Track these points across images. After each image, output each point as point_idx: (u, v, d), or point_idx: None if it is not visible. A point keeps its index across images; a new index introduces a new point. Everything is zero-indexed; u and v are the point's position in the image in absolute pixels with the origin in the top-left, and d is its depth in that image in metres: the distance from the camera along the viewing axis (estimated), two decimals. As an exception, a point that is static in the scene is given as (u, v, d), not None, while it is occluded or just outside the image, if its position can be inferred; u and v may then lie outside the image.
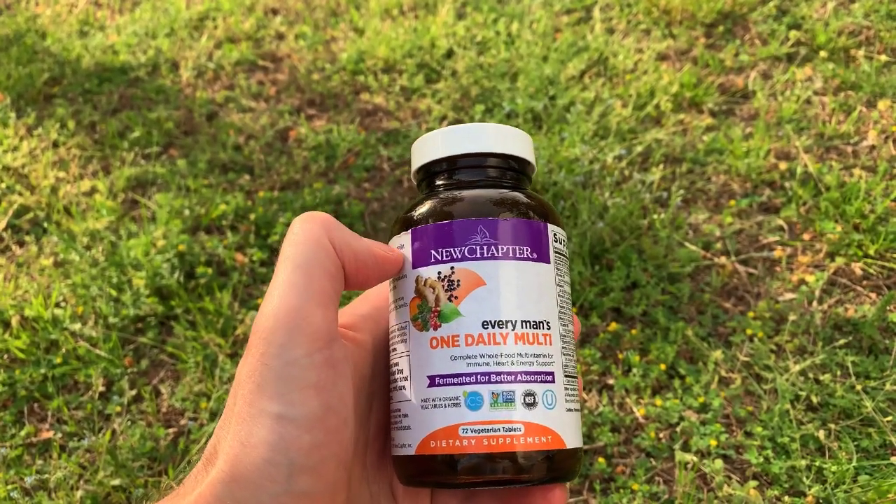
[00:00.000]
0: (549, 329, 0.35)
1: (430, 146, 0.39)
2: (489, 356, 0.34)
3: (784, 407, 1.09)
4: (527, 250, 0.36)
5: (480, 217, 0.36)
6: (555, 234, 0.37)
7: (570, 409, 0.35)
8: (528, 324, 0.35)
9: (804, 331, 1.20)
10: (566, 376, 0.36)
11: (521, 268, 0.35)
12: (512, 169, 0.39)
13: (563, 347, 0.36)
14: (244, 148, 1.74)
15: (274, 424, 0.30)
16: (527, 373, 0.34)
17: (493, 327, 0.35)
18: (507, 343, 0.34)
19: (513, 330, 0.35)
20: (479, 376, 0.34)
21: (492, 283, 0.35)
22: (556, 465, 0.34)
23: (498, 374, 0.34)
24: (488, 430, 0.33)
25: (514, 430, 0.33)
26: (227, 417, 0.31)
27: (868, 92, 1.66)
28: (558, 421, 0.34)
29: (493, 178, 0.39)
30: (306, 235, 0.33)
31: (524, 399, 0.34)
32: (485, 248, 0.35)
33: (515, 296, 0.35)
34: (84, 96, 1.99)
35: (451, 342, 0.35)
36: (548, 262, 0.36)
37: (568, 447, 0.34)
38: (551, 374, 0.35)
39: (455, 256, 0.36)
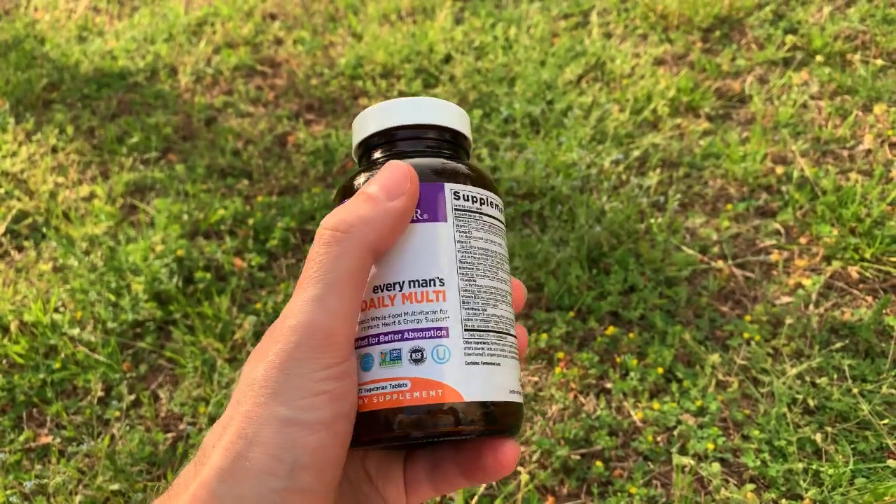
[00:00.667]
0: (441, 286, 0.36)
1: (367, 122, 0.41)
2: (378, 318, 0.36)
3: (781, 410, 1.09)
4: (416, 213, 0.37)
5: None
6: (455, 193, 0.37)
7: (473, 363, 0.35)
8: (415, 283, 0.36)
9: (801, 334, 1.21)
10: (469, 330, 0.35)
11: (409, 231, 0.37)
12: (446, 141, 0.40)
13: (465, 302, 0.36)
14: (243, 153, 1.75)
15: (282, 426, 0.31)
16: (414, 330, 0.35)
17: (381, 291, 0.36)
18: (394, 304, 0.36)
19: (400, 291, 0.36)
20: (370, 339, 0.36)
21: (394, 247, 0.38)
22: (461, 417, 0.34)
23: (385, 334, 0.36)
24: (378, 389, 0.35)
25: (401, 385, 0.35)
26: (230, 416, 0.32)
27: (864, 96, 1.66)
28: (453, 374, 0.34)
29: (430, 147, 0.40)
30: (341, 252, 0.34)
31: (411, 355, 0.35)
32: None
33: (402, 258, 0.36)
34: (83, 101, 2.00)
35: None
36: (444, 220, 0.37)
37: (466, 400, 0.34)
38: (444, 328, 0.35)
39: None
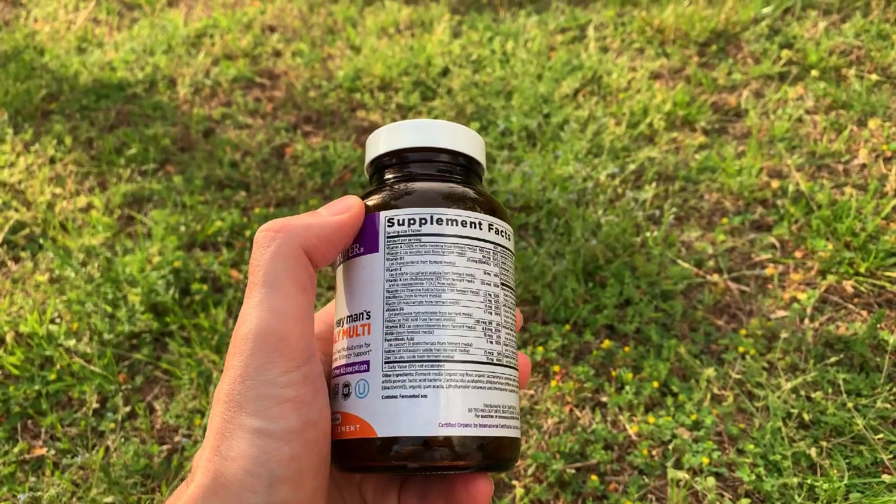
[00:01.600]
0: (367, 319, 0.35)
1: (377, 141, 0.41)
2: (334, 353, 0.37)
3: (776, 424, 1.10)
4: (356, 247, 0.37)
5: None
6: (389, 220, 0.36)
7: (390, 396, 0.34)
8: (351, 318, 0.36)
9: (796, 348, 1.21)
10: (390, 362, 0.34)
11: (350, 266, 0.37)
12: (459, 165, 0.40)
13: (389, 333, 0.35)
14: (240, 164, 1.75)
15: (254, 438, 0.31)
16: (347, 365, 0.36)
17: (336, 327, 0.38)
18: (339, 339, 0.37)
19: (342, 327, 0.37)
20: (332, 371, 0.37)
21: (338, 286, 0.38)
22: (375, 454, 0.34)
23: (335, 368, 0.37)
24: (333, 420, 0.36)
25: (336, 419, 0.36)
26: (207, 435, 0.33)
27: (859, 111, 1.67)
28: (369, 409, 0.34)
29: (441, 172, 0.40)
30: (273, 252, 0.34)
31: (343, 390, 0.36)
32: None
33: (346, 294, 0.37)
34: (81, 112, 2.00)
35: None
36: (376, 251, 0.36)
37: (379, 435, 0.33)
38: (366, 363, 0.35)
39: (336, 260, 0.40)
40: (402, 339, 0.34)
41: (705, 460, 1.06)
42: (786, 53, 1.89)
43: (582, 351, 1.26)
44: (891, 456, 1.05)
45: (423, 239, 0.36)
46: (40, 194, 1.69)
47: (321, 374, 0.34)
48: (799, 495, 1.02)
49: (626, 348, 1.23)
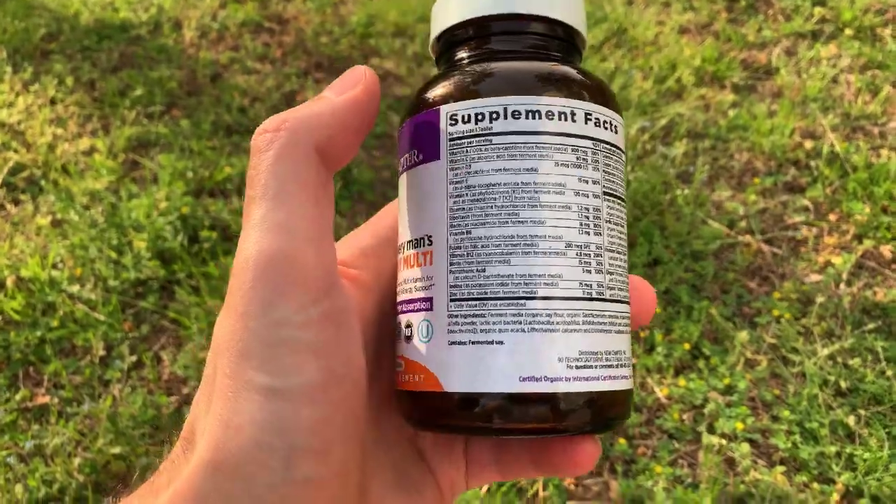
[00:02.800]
0: (429, 245, 0.28)
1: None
2: (398, 285, 0.30)
3: (812, 391, 1.05)
4: (414, 154, 0.30)
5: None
6: (451, 116, 0.29)
7: (458, 343, 0.27)
8: (411, 243, 0.29)
9: (832, 314, 1.17)
10: (457, 300, 0.27)
11: (410, 178, 0.30)
12: (556, 38, 0.31)
13: (454, 264, 0.28)
14: (249, 110, 1.68)
15: (264, 400, 0.24)
16: (408, 301, 0.29)
17: (399, 253, 0.31)
18: (402, 269, 0.30)
19: (403, 253, 0.30)
20: (396, 306, 0.30)
21: (399, 201, 0.31)
22: (441, 411, 0.28)
23: (398, 304, 0.30)
24: (396, 366, 0.30)
25: (399, 365, 0.29)
26: (205, 391, 0.26)
27: (895, 72, 1.61)
28: (433, 357, 0.28)
29: (533, 48, 0.31)
30: (279, 153, 0.26)
31: (405, 332, 0.29)
32: (400, 159, 0.31)
33: (406, 213, 0.30)
34: (83, 53, 1.92)
35: None
36: (437, 157, 0.29)
37: (445, 390, 0.27)
38: (429, 300, 0.28)
39: (399, 169, 0.32)
40: (471, 271, 0.27)
41: (739, 426, 1.02)
42: (819, 11, 1.81)
43: (608, 311, 1.22)
44: (932, 426, 1.01)
45: (495, 140, 0.28)
46: (41, 136, 1.62)
47: (347, 309, 0.27)
48: (837, 464, 0.98)
49: (658, 309, 1.18)
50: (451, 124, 0.28)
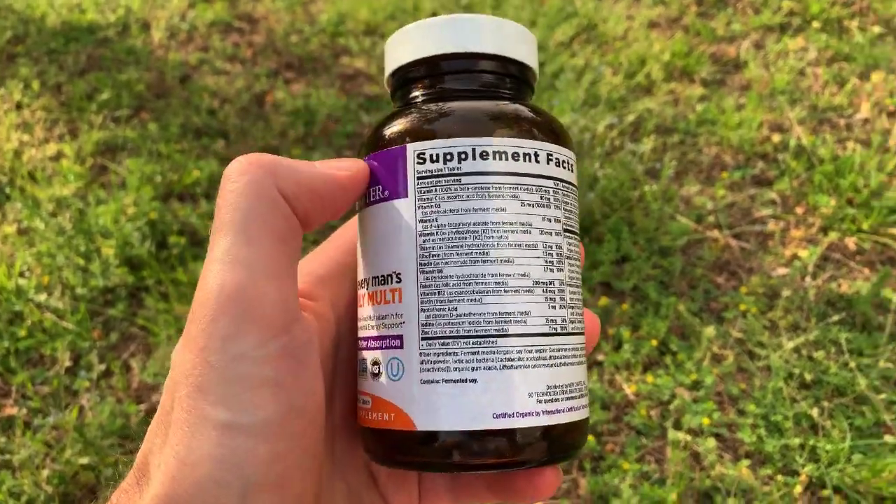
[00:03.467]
0: (397, 282, 0.28)
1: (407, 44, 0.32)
2: (358, 320, 0.31)
3: (777, 384, 1.07)
4: (378, 190, 0.30)
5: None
6: (419, 155, 0.28)
7: (430, 381, 0.27)
8: (376, 280, 0.29)
9: (798, 307, 1.18)
10: (428, 339, 0.28)
11: (372, 214, 0.30)
12: (509, 76, 0.31)
13: (426, 303, 0.28)
14: (218, 112, 1.67)
15: (220, 436, 0.24)
16: (375, 338, 0.29)
17: (359, 288, 0.31)
18: (363, 304, 0.30)
19: (366, 289, 0.30)
20: (357, 342, 0.31)
21: (360, 237, 0.31)
22: (416, 450, 0.28)
23: (360, 339, 0.30)
24: (358, 401, 0.30)
25: (365, 402, 0.29)
26: (161, 422, 0.26)
27: (861, 64, 1.62)
28: (405, 395, 0.28)
29: (485, 86, 0.31)
30: (245, 189, 0.26)
31: (372, 368, 0.29)
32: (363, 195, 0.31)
33: (369, 249, 0.30)
34: (49, 56, 1.90)
35: None
36: (404, 195, 0.29)
37: (418, 429, 0.27)
38: (398, 338, 0.28)
39: (356, 206, 0.32)
40: (443, 310, 0.28)
41: (705, 421, 1.03)
42: (787, 4, 1.82)
43: (577, 308, 1.22)
44: (893, 417, 1.02)
45: (465, 179, 0.28)
46: (7, 141, 1.60)
47: (308, 343, 0.27)
48: (800, 456, 0.99)
49: (624, 306, 1.19)
50: (418, 163, 0.29)
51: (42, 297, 1.25)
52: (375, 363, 0.29)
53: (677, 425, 1.04)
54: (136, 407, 1.10)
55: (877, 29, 1.72)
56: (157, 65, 1.84)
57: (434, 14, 1.91)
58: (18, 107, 1.71)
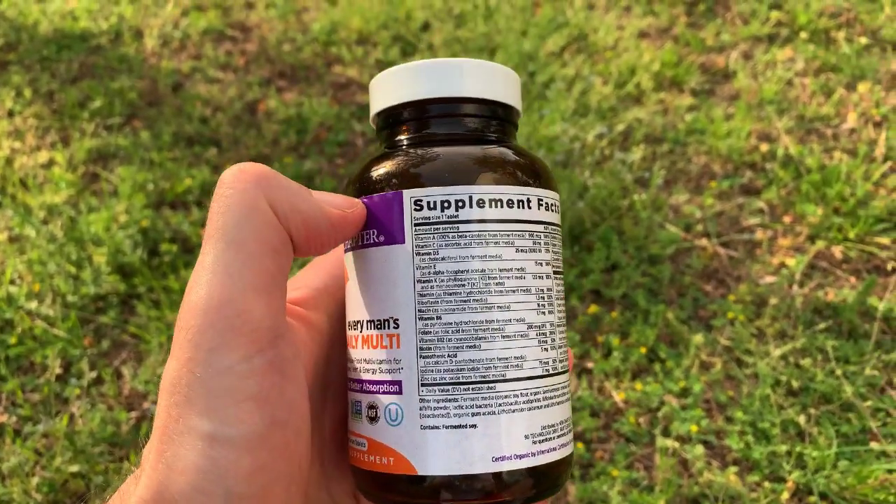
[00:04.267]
0: (395, 328, 0.29)
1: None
2: (350, 361, 0.31)
3: (765, 392, 1.07)
4: (372, 234, 0.30)
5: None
6: (416, 202, 0.29)
7: (431, 427, 0.28)
8: (371, 324, 0.30)
9: (785, 315, 1.19)
10: (428, 385, 0.28)
11: (365, 258, 0.30)
12: (495, 118, 0.32)
13: (424, 349, 0.28)
14: (211, 120, 1.68)
15: (205, 447, 0.24)
16: (371, 382, 0.30)
17: (351, 329, 0.31)
18: (356, 346, 0.30)
19: (360, 332, 0.30)
20: (349, 382, 0.31)
21: (351, 277, 0.31)
22: (414, 493, 0.29)
23: (352, 381, 0.31)
24: (352, 442, 0.31)
25: (361, 445, 0.30)
26: (153, 429, 0.26)
27: (848, 74, 1.64)
28: (404, 440, 0.28)
29: (471, 130, 0.32)
30: (240, 198, 0.26)
31: (368, 412, 0.30)
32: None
33: (364, 291, 0.30)
34: (42, 63, 1.90)
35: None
36: (401, 241, 0.29)
37: (419, 473, 0.28)
38: (397, 383, 0.29)
39: (345, 245, 0.32)
40: (442, 357, 0.28)
41: (694, 428, 1.04)
42: (775, 14, 1.84)
43: (568, 316, 1.23)
44: (879, 423, 1.03)
45: (462, 227, 0.29)
46: (-2, 149, 1.60)
47: (294, 357, 0.28)
48: (787, 463, 1.00)
49: (613, 313, 1.19)
50: (415, 209, 0.29)
51: (33, 305, 1.25)
52: (372, 407, 0.29)
53: (666, 432, 1.05)
54: (127, 414, 1.10)
55: (863, 40, 1.74)
56: (150, 73, 1.85)
57: (426, 24, 1.93)
58: (10, 114, 1.72)
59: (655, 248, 1.29)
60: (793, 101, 1.60)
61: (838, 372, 1.09)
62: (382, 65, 1.82)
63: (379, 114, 0.32)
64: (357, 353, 0.31)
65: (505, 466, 0.28)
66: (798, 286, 1.24)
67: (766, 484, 0.98)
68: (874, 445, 1.00)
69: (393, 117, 0.32)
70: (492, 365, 0.28)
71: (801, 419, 1.04)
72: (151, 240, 1.35)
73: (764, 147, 1.48)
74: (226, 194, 0.27)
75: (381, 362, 0.29)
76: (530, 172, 0.30)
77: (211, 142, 1.62)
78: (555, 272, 0.31)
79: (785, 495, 0.96)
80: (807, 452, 1.00)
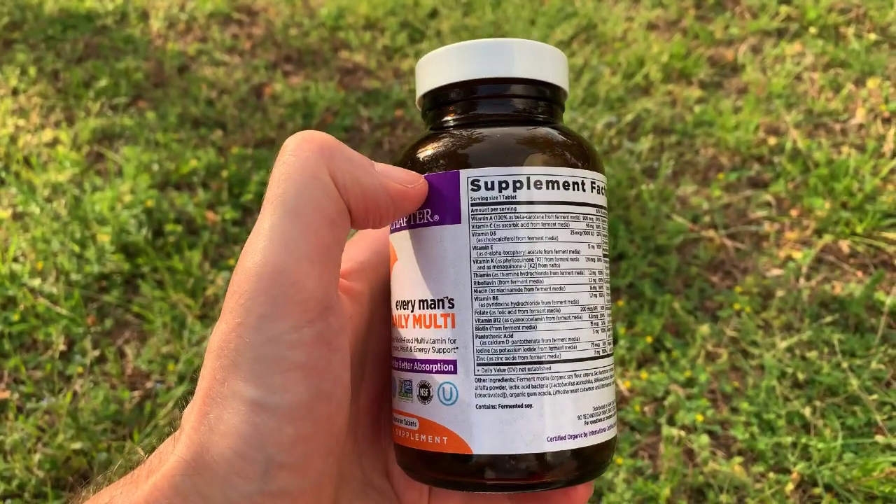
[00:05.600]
0: (450, 308, 0.29)
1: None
2: (397, 340, 0.31)
3: (770, 383, 1.07)
4: (427, 213, 0.30)
5: None
6: (473, 182, 0.29)
7: (486, 406, 0.28)
8: (425, 303, 0.30)
9: (791, 307, 1.19)
10: (484, 364, 0.28)
11: (420, 237, 0.30)
12: (543, 100, 0.32)
13: (480, 328, 0.28)
14: (217, 103, 1.67)
15: (249, 412, 0.24)
16: (423, 361, 0.30)
17: (400, 308, 0.31)
18: (407, 325, 0.30)
19: (412, 311, 0.30)
20: (396, 361, 0.31)
21: (401, 257, 0.31)
22: (471, 472, 0.29)
23: (400, 360, 0.31)
24: (398, 420, 0.31)
25: (412, 424, 0.30)
26: (197, 390, 0.26)
27: (857, 70, 1.64)
28: (459, 420, 0.28)
29: (519, 111, 0.31)
30: (301, 166, 0.26)
31: (419, 391, 0.30)
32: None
33: (416, 271, 0.30)
34: (47, 43, 1.89)
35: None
36: (457, 221, 0.29)
37: (475, 452, 0.28)
38: (451, 363, 0.29)
39: (392, 225, 0.32)
40: (499, 337, 0.28)
41: (699, 418, 1.03)
42: (784, 9, 1.84)
43: (573, 304, 1.23)
44: (884, 417, 1.03)
45: (519, 208, 0.29)
46: (2, 127, 1.59)
47: (342, 330, 0.27)
48: (792, 454, 1.00)
49: (620, 303, 1.19)
50: (472, 189, 0.29)
51: (36, 283, 1.24)
52: (424, 386, 0.29)
53: (671, 422, 1.05)
54: (130, 393, 1.10)
55: (873, 36, 1.73)
56: (156, 54, 1.83)
57: (434, 11, 1.92)
58: (15, 93, 1.70)
59: (662, 239, 1.28)
60: (801, 96, 1.60)
61: (844, 365, 1.09)
62: (389, 51, 1.81)
63: (426, 95, 0.32)
64: (407, 332, 0.30)
65: (560, 446, 0.28)
66: (805, 279, 1.23)
67: (771, 475, 0.98)
68: (879, 439, 1.00)
69: (441, 97, 0.32)
70: (547, 346, 0.28)
71: (807, 411, 1.04)
72: (156, 220, 1.34)
73: (772, 140, 1.48)
74: (288, 161, 0.27)
75: (434, 341, 0.29)
76: (580, 154, 0.30)
77: (217, 124, 1.61)
78: (604, 255, 0.31)
79: (790, 486, 0.96)
80: (812, 444, 1.00)
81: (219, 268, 1.28)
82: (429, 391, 0.29)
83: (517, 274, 0.28)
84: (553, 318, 0.29)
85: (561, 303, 0.29)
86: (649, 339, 1.13)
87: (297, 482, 0.25)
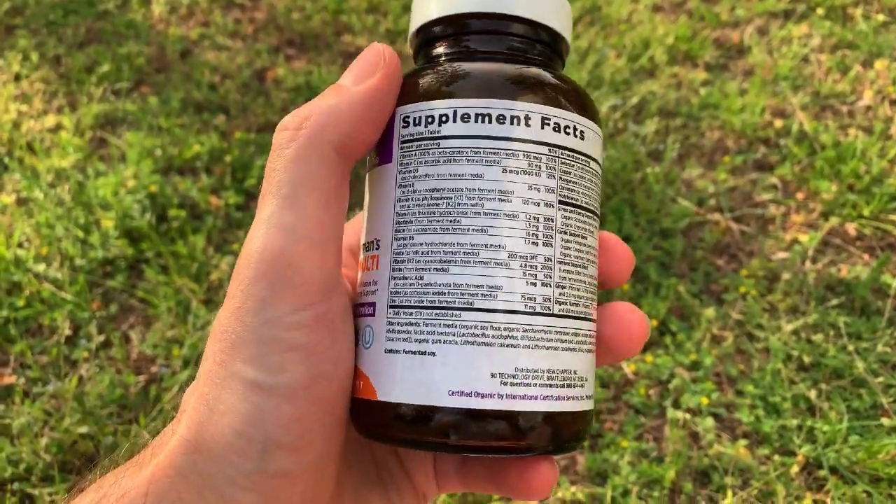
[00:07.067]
0: (376, 249, 0.28)
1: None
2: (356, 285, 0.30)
3: (776, 366, 1.07)
4: (373, 155, 0.29)
5: None
6: (404, 118, 0.28)
7: (392, 350, 0.26)
8: (364, 246, 0.29)
9: (797, 290, 1.18)
10: (395, 307, 0.27)
11: (370, 178, 0.30)
12: (538, 41, 0.30)
13: (395, 270, 0.27)
14: (219, 87, 1.66)
15: (247, 392, 0.25)
16: (359, 304, 0.29)
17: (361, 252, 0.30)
18: (359, 273, 0.30)
19: (360, 256, 0.30)
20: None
21: (365, 202, 0.30)
22: (374, 421, 0.27)
23: (355, 306, 0.30)
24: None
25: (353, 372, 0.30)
26: (199, 373, 0.27)
27: (865, 51, 1.62)
28: (371, 364, 0.27)
29: (512, 49, 0.30)
30: (296, 153, 0.26)
31: (357, 337, 0.29)
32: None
33: (365, 215, 0.30)
34: (48, 28, 1.88)
35: None
36: (388, 161, 0.28)
37: (378, 399, 0.27)
38: (372, 305, 0.28)
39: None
40: (410, 278, 0.27)
41: (704, 401, 1.03)
42: (791, -10, 1.82)
43: (578, 288, 1.22)
44: (890, 399, 1.03)
45: (443, 144, 0.27)
46: (5, 112, 1.58)
47: (344, 313, 0.27)
48: (798, 437, 1.00)
49: (624, 286, 1.19)
50: (403, 126, 0.28)
51: (41, 268, 1.24)
52: (356, 331, 0.28)
53: (676, 404, 1.05)
54: (135, 378, 1.10)
55: (881, 17, 1.72)
56: (158, 39, 1.83)
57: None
58: (17, 78, 1.70)
59: (668, 222, 1.28)
60: (808, 78, 1.58)
61: (850, 348, 1.09)
62: (392, 34, 1.80)
63: (417, 31, 0.31)
64: (359, 277, 0.30)
65: (462, 403, 0.25)
66: (811, 262, 1.23)
67: (776, 457, 0.98)
68: (885, 421, 1.00)
69: (429, 33, 0.31)
70: (458, 291, 0.26)
71: (812, 394, 1.03)
72: (160, 205, 1.34)
73: (778, 123, 1.47)
74: (276, 155, 0.27)
75: (365, 284, 0.29)
76: (546, 90, 0.28)
77: (219, 108, 1.61)
78: (564, 203, 0.28)
79: (795, 468, 0.96)
80: (817, 427, 1.00)
81: (222, 252, 1.28)
82: (358, 336, 0.28)
83: (435, 213, 0.27)
84: (468, 261, 0.26)
85: (480, 245, 0.26)
86: (654, 323, 1.13)
87: (296, 462, 0.25)
